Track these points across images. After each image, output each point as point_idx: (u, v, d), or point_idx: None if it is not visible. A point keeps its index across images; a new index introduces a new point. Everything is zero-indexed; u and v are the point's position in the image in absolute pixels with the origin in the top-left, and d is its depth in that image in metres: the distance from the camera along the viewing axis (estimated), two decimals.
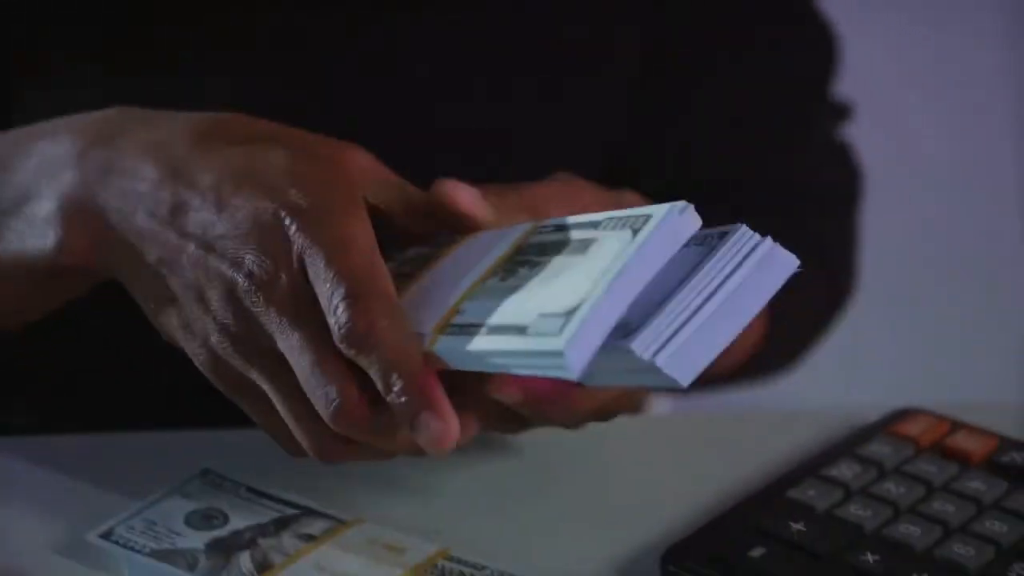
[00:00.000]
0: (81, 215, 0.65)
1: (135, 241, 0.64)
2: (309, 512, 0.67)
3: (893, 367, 1.65)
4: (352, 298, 0.59)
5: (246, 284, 0.61)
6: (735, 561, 0.63)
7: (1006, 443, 0.70)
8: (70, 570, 0.65)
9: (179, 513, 0.66)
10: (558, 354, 0.53)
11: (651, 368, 0.54)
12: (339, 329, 0.59)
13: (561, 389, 0.61)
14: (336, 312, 0.59)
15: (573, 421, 0.65)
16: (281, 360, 0.61)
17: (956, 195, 1.79)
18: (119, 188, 0.65)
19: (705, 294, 0.55)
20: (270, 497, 0.68)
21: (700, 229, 0.56)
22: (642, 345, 0.54)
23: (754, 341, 0.87)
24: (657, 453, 0.76)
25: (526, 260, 0.59)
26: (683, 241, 0.55)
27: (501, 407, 0.62)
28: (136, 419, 0.79)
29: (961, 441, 0.70)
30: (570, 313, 0.54)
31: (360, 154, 0.66)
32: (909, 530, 0.64)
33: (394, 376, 0.58)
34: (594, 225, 0.58)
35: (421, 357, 0.59)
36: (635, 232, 0.55)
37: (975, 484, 0.67)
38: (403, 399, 0.58)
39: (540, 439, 0.71)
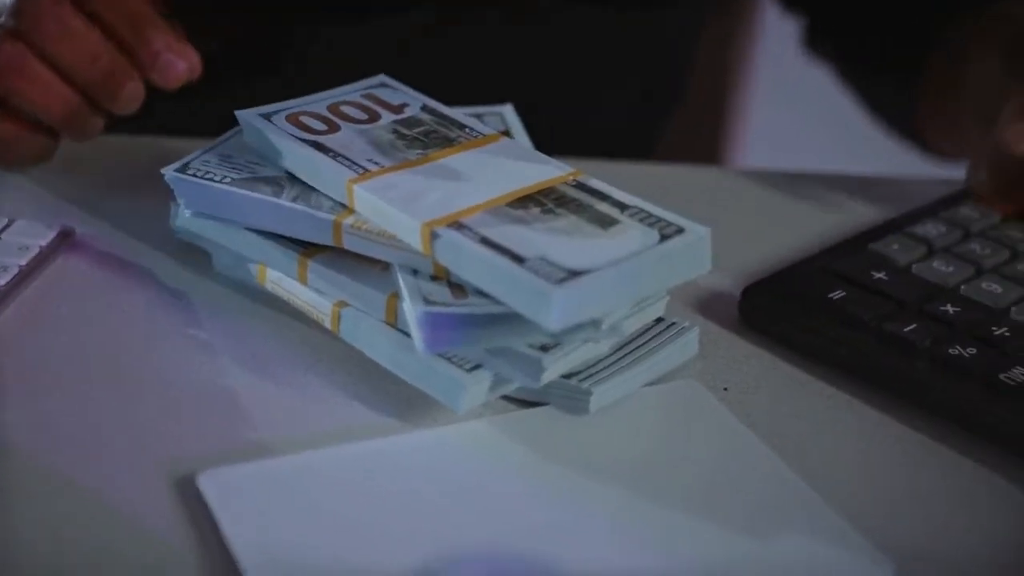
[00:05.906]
0: None
1: None
2: None
3: None
4: None
5: None
6: (813, 300, 0.63)
7: None
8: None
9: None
10: (545, 296, 0.54)
11: None
12: None
13: None
14: None
15: None
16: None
17: None
18: None
19: None
20: None
21: None
22: None
23: None
24: (733, 205, 0.75)
25: (544, 203, 0.59)
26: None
27: None
28: None
29: None
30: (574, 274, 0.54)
31: None
32: (990, 287, 0.64)
33: None
34: (622, 208, 0.58)
35: None
36: (663, 239, 0.56)
37: None
38: None
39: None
